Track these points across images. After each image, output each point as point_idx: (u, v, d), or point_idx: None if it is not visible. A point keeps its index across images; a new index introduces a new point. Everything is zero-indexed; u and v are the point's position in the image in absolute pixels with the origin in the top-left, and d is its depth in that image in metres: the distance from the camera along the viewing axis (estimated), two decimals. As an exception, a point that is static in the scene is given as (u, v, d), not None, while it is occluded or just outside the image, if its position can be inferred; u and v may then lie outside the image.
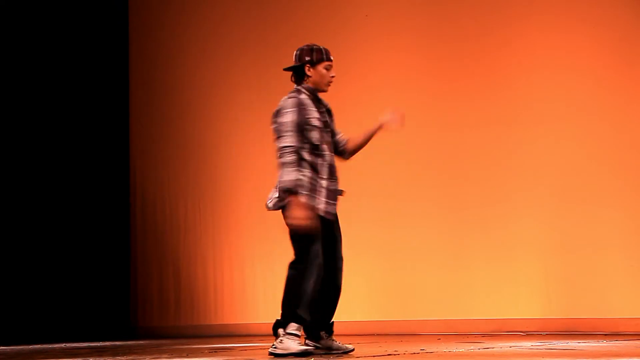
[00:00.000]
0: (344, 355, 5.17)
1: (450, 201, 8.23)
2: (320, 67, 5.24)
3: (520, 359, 4.55)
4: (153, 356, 5.72)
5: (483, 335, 7.32)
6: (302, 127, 5.11)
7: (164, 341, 8.37)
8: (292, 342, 5.03)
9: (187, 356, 5.66)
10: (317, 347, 5.24)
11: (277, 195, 5.14)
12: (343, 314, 8.92)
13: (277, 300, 9.10)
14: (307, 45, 5.29)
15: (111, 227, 10.17)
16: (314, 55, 5.24)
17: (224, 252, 9.65)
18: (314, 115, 5.16)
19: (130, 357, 5.70)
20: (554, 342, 6.07)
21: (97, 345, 7.81)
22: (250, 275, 9.40)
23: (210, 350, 6.41)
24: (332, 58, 5.28)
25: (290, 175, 5.02)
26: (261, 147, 9.49)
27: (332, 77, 5.27)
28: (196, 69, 10.06)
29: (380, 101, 8.24)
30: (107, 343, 8.23)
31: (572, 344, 5.82)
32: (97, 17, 10.29)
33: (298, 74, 5.28)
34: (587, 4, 7.77)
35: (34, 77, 9.87)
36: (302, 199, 5.01)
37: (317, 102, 5.24)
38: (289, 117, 5.13)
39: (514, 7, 8.11)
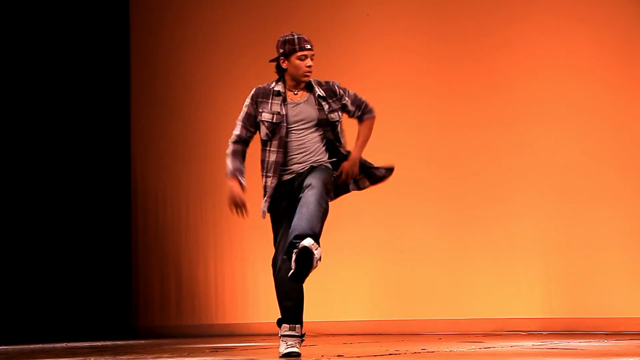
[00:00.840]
0: (345, 355, 5.17)
1: (450, 201, 8.23)
2: (294, 59, 5.11)
3: (522, 358, 4.56)
4: (154, 356, 5.73)
5: (484, 335, 7.32)
6: (253, 120, 5.13)
7: (165, 341, 8.37)
8: (281, 345, 5.08)
9: (188, 355, 5.66)
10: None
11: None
12: (344, 314, 8.96)
13: (278, 300, 9.18)
14: (282, 36, 5.18)
15: (112, 227, 10.17)
16: (286, 47, 5.13)
17: (225, 252, 9.65)
18: (267, 109, 5.09)
19: (132, 357, 5.70)
20: (555, 341, 6.08)
21: (98, 345, 7.81)
22: (251, 275, 9.39)
23: (212, 350, 6.41)
24: (306, 46, 5.09)
25: (227, 167, 5.03)
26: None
27: (309, 66, 5.09)
28: (197, 68, 10.06)
29: (381, 101, 8.22)
30: (108, 342, 8.23)
31: (574, 343, 5.82)
32: (97, 17, 10.29)
33: (277, 66, 5.23)
34: (587, 4, 7.78)
35: (35, 78, 9.86)
36: (230, 183, 4.96)
37: (283, 99, 5.12)
38: (243, 109, 5.25)
39: (514, 7, 8.11)
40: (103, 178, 10.16)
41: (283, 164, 5.03)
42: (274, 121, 5.06)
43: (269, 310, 9.22)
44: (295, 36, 5.13)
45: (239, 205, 4.96)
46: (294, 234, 4.74)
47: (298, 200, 4.89)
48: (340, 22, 9.02)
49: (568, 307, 7.56)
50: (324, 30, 9.09)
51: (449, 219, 8.20)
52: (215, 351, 6.26)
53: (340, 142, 5.13)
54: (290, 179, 5.05)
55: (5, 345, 8.03)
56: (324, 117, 5.06)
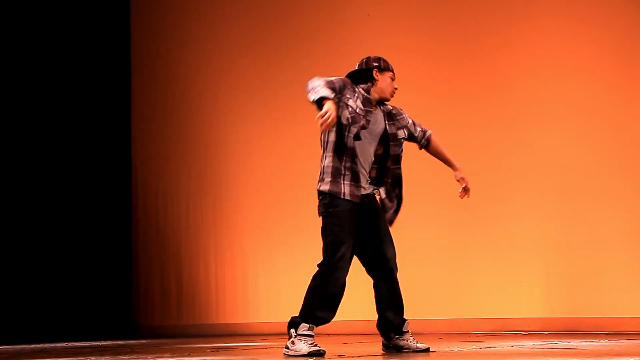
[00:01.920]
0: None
1: (451, 201, 8.19)
2: (386, 76, 5.29)
3: (522, 358, 4.56)
4: (155, 355, 5.73)
5: (485, 335, 7.33)
6: (336, 90, 5.02)
7: (165, 340, 8.37)
8: (303, 343, 5.03)
9: (189, 355, 5.66)
10: (388, 347, 5.21)
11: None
12: (345, 314, 8.96)
13: (279, 300, 9.20)
14: (374, 55, 5.34)
15: (113, 227, 10.17)
16: (382, 63, 5.30)
17: (225, 251, 9.66)
18: (353, 99, 5.10)
19: (132, 357, 5.70)
20: (556, 341, 6.08)
21: (99, 345, 7.81)
22: (252, 275, 9.40)
23: (212, 350, 6.42)
24: (394, 72, 5.35)
25: (318, 86, 4.97)
26: (263, 146, 9.51)
27: (395, 88, 5.31)
28: (197, 68, 10.07)
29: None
30: (109, 342, 8.23)
31: (574, 343, 5.83)
32: (98, 17, 10.29)
33: (363, 77, 5.23)
34: (587, 4, 7.79)
35: (35, 78, 9.87)
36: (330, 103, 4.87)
37: (367, 102, 5.18)
38: (325, 77, 5.08)
39: (514, 7, 8.12)
40: (104, 178, 10.17)
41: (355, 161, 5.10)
42: (357, 111, 5.12)
43: (269, 310, 9.26)
44: (387, 60, 5.35)
45: (329, 124, 4.85)
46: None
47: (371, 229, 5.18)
48: (340, 22, 9.02)
49: (568, 307, 7.57)
50: (324, 30, 9.11)
51: (449, 219, 8.20)
52: (215, 351, 6.26)
53: (399, 161, 5.31)
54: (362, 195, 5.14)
55: (5, 345, 8.03)
56: (394, 132, 5.26)
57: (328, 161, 5.11)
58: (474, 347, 5.66)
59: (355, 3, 9.00)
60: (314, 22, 9.22)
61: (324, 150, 5.17)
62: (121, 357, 5.72)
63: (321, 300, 5.07)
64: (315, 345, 5.04)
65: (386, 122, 5.25)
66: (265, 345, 6.89)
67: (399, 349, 5.21)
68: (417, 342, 5.22)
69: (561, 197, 7.70)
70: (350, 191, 5.08)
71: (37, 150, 9.81)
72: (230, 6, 9.95)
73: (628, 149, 7.48)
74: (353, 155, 5.09)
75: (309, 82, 5.04)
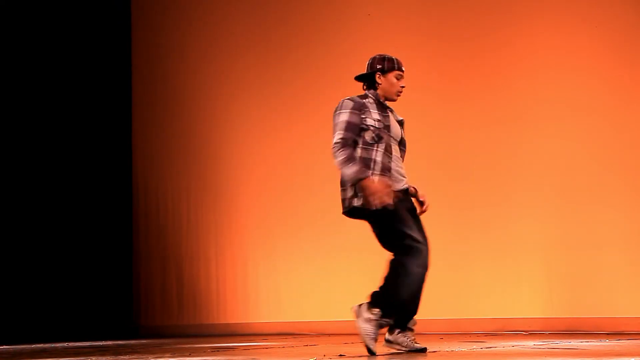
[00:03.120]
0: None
1: (451, 201, 8.23)
2: (391, 76, 5.24)
3: (523, 358, 4.56)
4: (155, 355, 5.73)
5: (485, 335, 7.32)
6: (356, 127, 5.09)
7: (166, 340, 8.37)
8: (375, 333, 5.00)
9: (189, 355, 5.66)
10: (387, 340, 5.21)
11: (350, 194, 5.13)
12: (345, 313, 8.95)
13: (279, 300, 9.20)
14: (380, 55, 5.30)
15: (114, 226, 10.18)
16: (385, 64, 5.25)
17: (226, 251, 9.66)
18: (370, 117, 5.14)
19: (133, 356, 5.70)
20: (557, 341, 6.07)
21: (100, 345, 7.81)
22: (252, 275, 9.40)
23: (213, 350, 6.41)
24: (403, 69, 5.27)
25: (352, 169, 5.01)
26: (263, 146, 9.50)
27: (402, 87, 5.27)
28: (198, 68, 10.07)
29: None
30: (110, 342, 8.23)
31: (575, 343, 5.82)
32: (98, 17, 10.30)
33: (369, 81, 5.27)
34: (588, 4, 7.78)
35: (36, 79, 9.88)
36: (374, 177, 5.01)
37: (381, 107, 5.22)
38: (342, 117, 5.11)
39: (514, 7, 8.12)
40: (104, 178, 10.17)
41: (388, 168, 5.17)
42: (379, 127, 5.16)
43: (269, 310, 9.26)
44: (394, 57, 5.30)
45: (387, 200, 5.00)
46: None
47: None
48: (341, 22, 9.02)
49: (569, 307, 7.56)
50: (325, 30, 9.11)
51: (449, 218, 8.19)
52: (216, 351, 6.26)
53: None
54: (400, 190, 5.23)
55: (6, 345, 8.04)
56: (404, 137, 5.33)
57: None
58: (474, 347, 5.66)
59: (356, 3, 8.99)
60: (315, 22, 9.22)
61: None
62: (122, 357, 5.72)
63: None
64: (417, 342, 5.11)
65: (400, 127, 5.32)
66: (266, 345, 6.89)
67: (395, 344, 5.19)
68: (415, 342, 5.21)
69: (562, 197, 7.70)
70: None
71: (37, 151, 9.81)
72: (230, 6, 9.95)
73: (628, 149, 7.47)
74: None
75: (334, 133, 5.08)
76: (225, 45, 9.89)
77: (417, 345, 5.19)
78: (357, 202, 5.13)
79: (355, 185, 5.05)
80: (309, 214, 8.95)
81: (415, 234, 5.26)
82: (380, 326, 5.03)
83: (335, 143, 5.07)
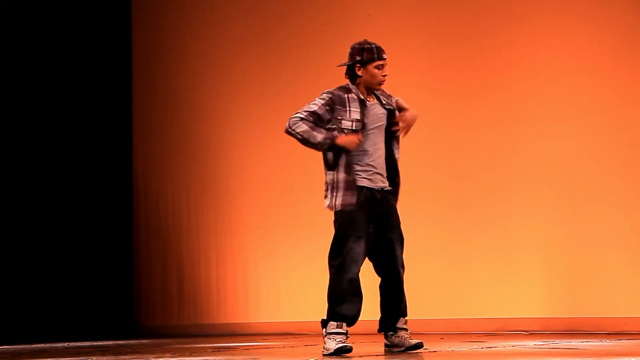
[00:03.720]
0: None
1: (451, 201, 8.24)
2: (371, 67, 5.17)
3: (523, 358, 4.56)
4: (156, 355, 5.73)
5: (486, 335, 7.33)
6: (319, 121, 5.11)
7: (166, 340, 8.38)
8: (332, 341, 5.07)
9: (190, 355, 5.67)
10: (387, 345, 5.23)
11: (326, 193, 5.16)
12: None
13: (280, 300, 9.21)
14: (359, 44, 5.21)
15: (114, 226, 10.17)
16: (365, 55, 5.16)
17: (226, 251, 9.66)
18: (347, 117, 5.13)
19: (133, 356, 5.70)
20: (557, 341, 6.08)
21: (100, 344, 7.81)
22: (252, 275, 9.40)
23: (213, 350, 6.42)
24: (384, 56, 5.17)
25: (316, 138, 5.06)
26: (263, 146, 9.50)
27: (384, 76, 5.20)
28: (198, 68, 10.06)
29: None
30: (110, 342, 8.23)
31: (575, 343, 5.82)
32: (99, 18, 10.29)
33: (350, 72, 5.24)
34: (588, 4, 7.78)
35: (36, 79, 9.86)
36: (340, 136, 5.05)
37: (362, 103, 5.19)
38: (314, 106, 5.16)
39: (515, 7, 8.12)
40: (105, 178, 10.16)
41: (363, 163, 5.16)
42: (354, 128, 5.13)
43: (270, 310, 9.25)
44: (374, 45, 5.21)
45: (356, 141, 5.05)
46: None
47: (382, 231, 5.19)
48: (341, 22, 9.01)
49: (569, 307, 7.56)
50: (325, 30, 9.10)
51: (449, 218, 8.20)
52: (217, 351, 6.26)
53: (398, 142, 5.36)
54: (373, 189, 5.19)
55: (6, 345, 8.04)
56: (392, 108, 5.26)
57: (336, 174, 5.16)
58: (474, 347, 5.66)
59: (356, 3, 8.99)
60: (315, 22, 9.22)
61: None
62: (122, 357, 5.73)
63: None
64: (343, 342, 5.06)
65: (384, 104, 5.26)
66: (266, 345, 6.89)
67: (393, 347, 5.22)
68: (410, 339, 5.22)
69: (562, 197, 7.70)
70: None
71: (38, 151, 9.80)
72: (230, 6, 9.94)
73: (628, 149, 7.47)
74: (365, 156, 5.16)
75: (294, 129, 5.11)
76: (225, 45, 9.88)
77: (412, 342, 5.20)
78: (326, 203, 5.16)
79: (329, 148, 5.06)
80: (309, 214, 8.95)
81: (352, 246, 5.12)
82: (334, 335, 5.06)
83: (295, 116, 5.11)
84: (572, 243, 7.60)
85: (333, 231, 5.22)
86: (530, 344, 5.85)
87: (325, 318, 5.18)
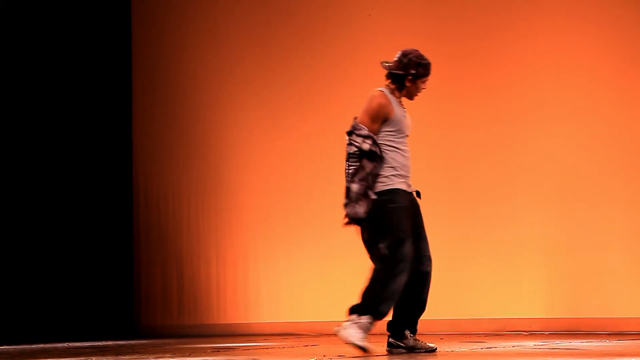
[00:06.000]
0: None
1: (452, 201, 8.23)
2: (419, 82, 5.28)
3: (524, 358, 4.56)
4: (156, 355, 5.73)
5: (486, 335, 7.32)
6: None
7: (167, 340, 8.38)
8: (360, 333, 5.00)
9: (190, 355, 5.67)
10: (399, 346, 5.22)
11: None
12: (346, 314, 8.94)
13: (280, 300, 9.20)
14: (416, 57, 5.28)
15: (114, 226, 10.18)
16: (419, 70, 5.27)
17: (227, 252, 9.66)
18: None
19: (133, 357, 5.70)
20: (557, 341, 6.08)
21: (100, 345, 7.82)
22: (253, 275, 9.40)
23: (213, 350, 6.42)
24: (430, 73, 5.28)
25: (353, 183, 5.15)
26: (264, 147, 9.50)
27: (423, 88, 5.32)
28: (199, 68, 10.07)
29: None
30: (110, 342, 8.24)
31: (575, 343, 5.82)
32: (99, 19, 10.29)
33: (397, 79, 5.21)
34: (589, 4, 7.78)
35: (36, 80, 9.87)
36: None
37: (400, 104, 5.29)
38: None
39: (516, 7, 8.11)
40: (105, 178, 10.17)
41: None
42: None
43: (270, 310, 9.25)
44: (428, 62, 5.33)
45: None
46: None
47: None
48: (341, 22, 9.02)
49: (570, 307, 7.56)
50: (325, 31, 9.10)
51: (450, 218, 8.19)
52: (217, 351, 6.26)
53: None
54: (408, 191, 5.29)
55: (7, 345, 8.04)
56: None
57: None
58: (475, 347, 5.66)
59: (356, 3, 8.99)
60: (315, 22, 9.21)
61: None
62: (122, 357, 5.73)
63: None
64: (365, 342, 5.04)
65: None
66: (266, 345, 6.89)
67: (411, 349, 5.20)
68: (426, 342, 5.26)
69: (562, 197, 7.69)
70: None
71: (38, 152, 9.81)
72: (231, 6, 9.94)
73: (629, 149, 7.47)
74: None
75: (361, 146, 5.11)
76: (226, 45, 9.88)
77: (431, 345, 5.22)
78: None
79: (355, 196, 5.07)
80: (310, 214, 8.95)
81: (407, 251, 5.29)
82: (362, 327, 4.99)
83: (360, 127, 5.06)
84: (573, 243, 7.60)
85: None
86: (531, 344, 5.84)
87: (358, 305, 5.07)
